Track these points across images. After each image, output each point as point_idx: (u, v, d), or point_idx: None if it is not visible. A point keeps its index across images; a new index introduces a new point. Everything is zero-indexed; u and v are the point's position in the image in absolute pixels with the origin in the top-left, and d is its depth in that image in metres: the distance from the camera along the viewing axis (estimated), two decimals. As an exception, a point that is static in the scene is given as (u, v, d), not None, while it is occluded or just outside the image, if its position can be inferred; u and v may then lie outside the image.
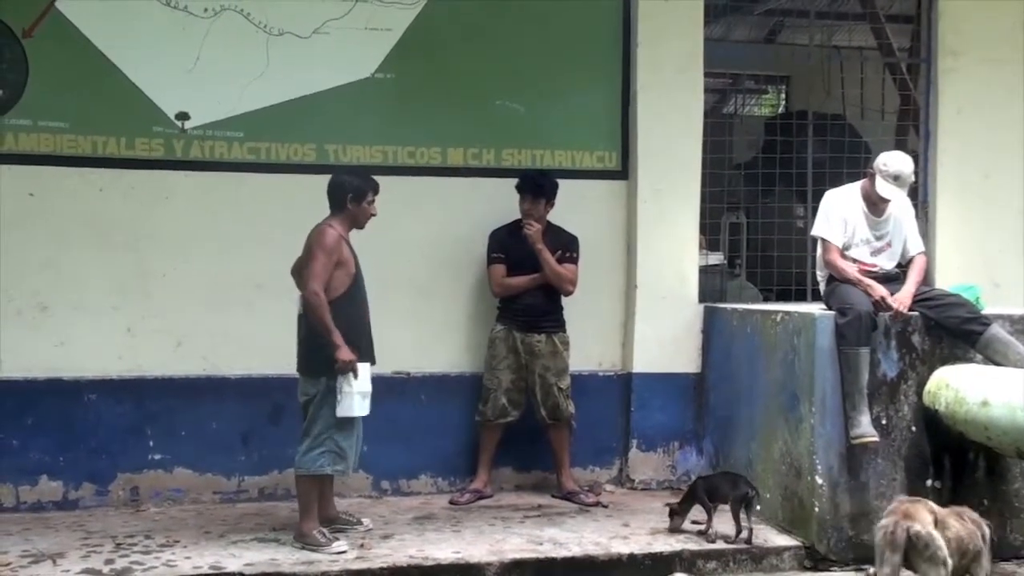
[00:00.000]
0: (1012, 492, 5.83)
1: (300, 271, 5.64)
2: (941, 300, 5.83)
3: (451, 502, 6.53)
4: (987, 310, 5.89)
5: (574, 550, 5.57)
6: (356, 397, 5.43)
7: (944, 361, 5.76)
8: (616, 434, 7.02)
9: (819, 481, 5.68)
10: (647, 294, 6.95)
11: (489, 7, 6.87)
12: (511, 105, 6.90)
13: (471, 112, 6.85)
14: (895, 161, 5.84)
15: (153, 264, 6.45)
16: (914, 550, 4.56)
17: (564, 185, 6.64)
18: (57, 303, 6.33)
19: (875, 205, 5.96)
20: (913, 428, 5.76)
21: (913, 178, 6.04)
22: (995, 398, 5.27)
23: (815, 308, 6.01)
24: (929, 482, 5.74)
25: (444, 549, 5.53)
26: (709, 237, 7.56)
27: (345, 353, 5.38)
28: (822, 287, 6.16)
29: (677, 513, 5.85)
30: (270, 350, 6.21)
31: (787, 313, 6.07)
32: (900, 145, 7.37)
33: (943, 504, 5.03)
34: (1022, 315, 5.92)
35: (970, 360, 5.72)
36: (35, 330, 6.29)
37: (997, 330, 5.65)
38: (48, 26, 6.28)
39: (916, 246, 6.11)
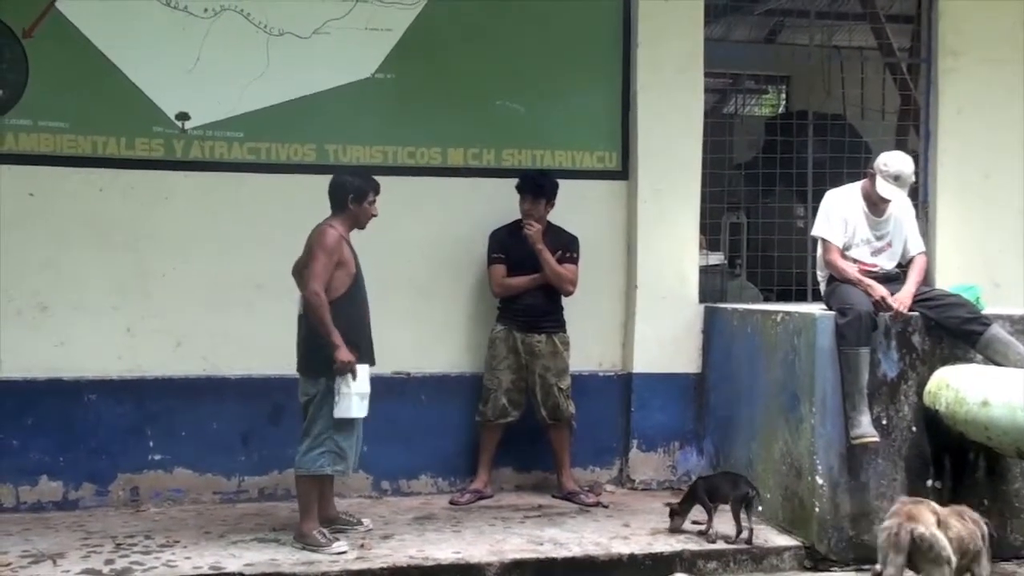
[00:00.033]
0: (1012, 492, 5.83)
1: (301, 271, 5.64)
2: (941, 300, 5.83)
3: (451, 502, 6.53)
4: (987, 310, 5.89)
5: (574, 550, 5.57)
6: (354, 398, 5.43)
7: (944, 361, 5.76)
8: (616, 434, 7.02)
9: (819, 481, 5.68)
10: (647, 294, 6.95)
11: (489, 7, 6.87)
12: (511, 105, 6.90)
13: (471, 112, 6.85)
14: (895, 161, 5.84)
15: (153, 264, 6.45)
16: (918, 551, 4.56)
17: (564, 185, 6.64)
18: (57, 303, 6.33)
19: (875, 205, 5.95)
20: (913, 428, 5.76)
21: (913, 178, 6.04)
22: (995, 398, 5.27)
23: (815, 308, 6.01)
24: (929, 482, 5.74)
25: (444, 549, 5.52)
26: (709, 237, 7.56)
27: (344, 354, 5.38)
28: (822, 287, 6.16)
29: (677, 513, 5.85)
30: (270, 350, 6.21)
31: (787, 313, 6.07)
32: (900, 145, 7.37)
33: (943, 504, 5.03)
34: (1022, 315, 5.92)
35: (970, 360, 5.72)
36: (35, 330, 6.29)
37: (997, 330, 5.65)
38: (48, 26, 6.28)
39: (916, 246, 6.11)
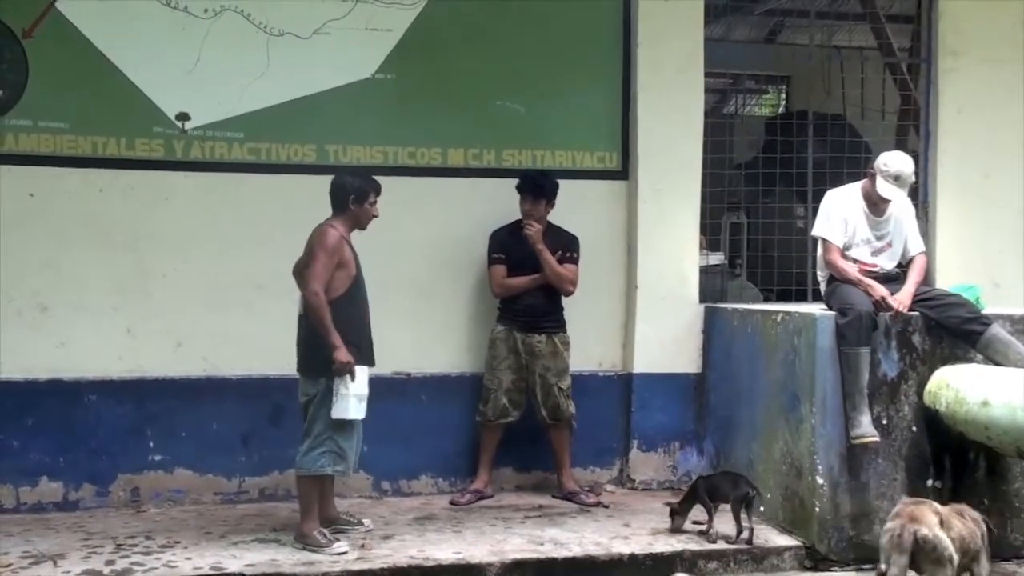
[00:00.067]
0: (1012, 492, 5.84)
1: (301, 271, 5.63)
2: (941, 300, 5.84)
3: (452, 502, 6.53)
4: (987, 310, 5.89)
5: (575, 550, 5.57)
6: (352, 400, 5.43)
7: (944, 361, 5.76)
8: (617, 434, 7.02)
9: (820, 481, 5.68)
10: (647, 294, 6.95)
11: (489, 7, 6.87)
12: (511, 105, 6.90)
13: (471, 112, 6.85)
14: (896, 161, 5.84)
15: (153, 264, 6.45)
16: (921, 552, 4.58)
17: (564, 185, 6.64)
18: (57, 304, 6.33)
19: (876, 205, 5.96)
20: (913, 428, 5.76)
21: (913, 178, 6.04)
22: (995, 398, 5.28)
23: (815, 308, 6.01)
24: (929, 482, 5.74)
25: (445, 550, 5.52)
26: (709, 237, 7.56)
27: (343, 355, 5.38)
28: (822, 287, 6.16)
29: (678, 513, 5.86)
30: (270, 351, 6.21)
31: (788, 313, 6.07)
32: (900, 145, 7.37)
33: (943, 504, 5.03)
34: (1022, 315, 5.92)
35: (970, 360, 5.72)
36: (35, 331, 6.29)
37: (997, 330, 5.65)
38: (48, 26, 6.28)
39: (916, 246, 6.11)
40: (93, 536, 5.73)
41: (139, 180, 6.42)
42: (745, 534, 5.65)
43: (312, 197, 5.94)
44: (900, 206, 5.98)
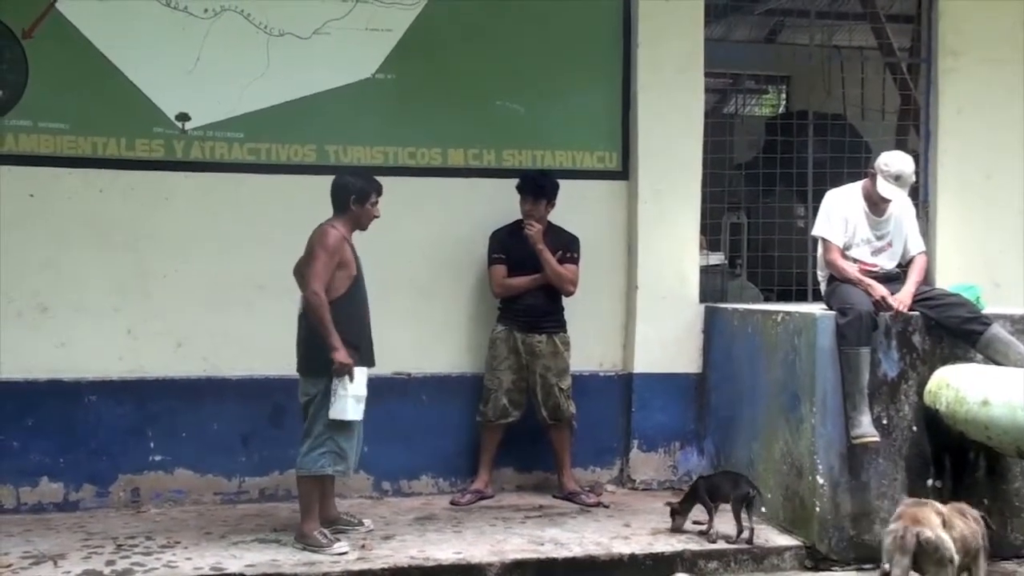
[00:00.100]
0: (1012, 491, 5.84)
1: (302, 271, 5.63)
2: (941, 300, 5.84)
3: (452, 503, 6.53)
4: (987, 310, 5.89)
5: (575, 550, 5.57)
6: (350, 400, 5.42)
7: (945, 361, 5.76)
8: (617, 434, 7.02)
9: (820, 481, 5.68)
10: (648, 294, 6.95)
11: (489, 7, 6.87)
12: (511, 105, 6.90)
13: (471, 112, 6.85)
14: (896, 161, 5.84)
15: (153, 265, 6.45)
16: (923, 553, 4.59)
17: (565, 185, 6.64)
18: (57, 304, 6.33)
19: (876, 205, 5.96)
20: (914, 428, 5.76)
21: (914, 178, 6.04)
22: (995, 397, 5.27)
23: (816, 308, 6.01)
24: (930, 482, 5.74)
25: (445, 550, 5.52)
26: (710, 237, 7.56)
27: (342, 355, 5.38)
28: (823, 287, 6.16)
29: (678, 513, 5.86)
30: (271, 351, 6.21)
31: (788, 313, 6.07)
32: (900, 145, 7.37)
33: (943, 503, 5.03)
34: (1022, 315, 5.92)
35: (970, 360, 5.72)
36: (35, 331, 6.29)
37: (998, 330, 5.65)
38: (48, 27, 6.28)
39: (917, 246, 6.11)
40: (93, 536, 5.73)
41: (139, 180, 6.43)
42: (745, 534, 5.65)
43: (312, 197, 5.95)
44: (900, 206, 5.98)
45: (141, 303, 6.44)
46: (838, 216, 5.97)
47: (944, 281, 6.84)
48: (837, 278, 5.94)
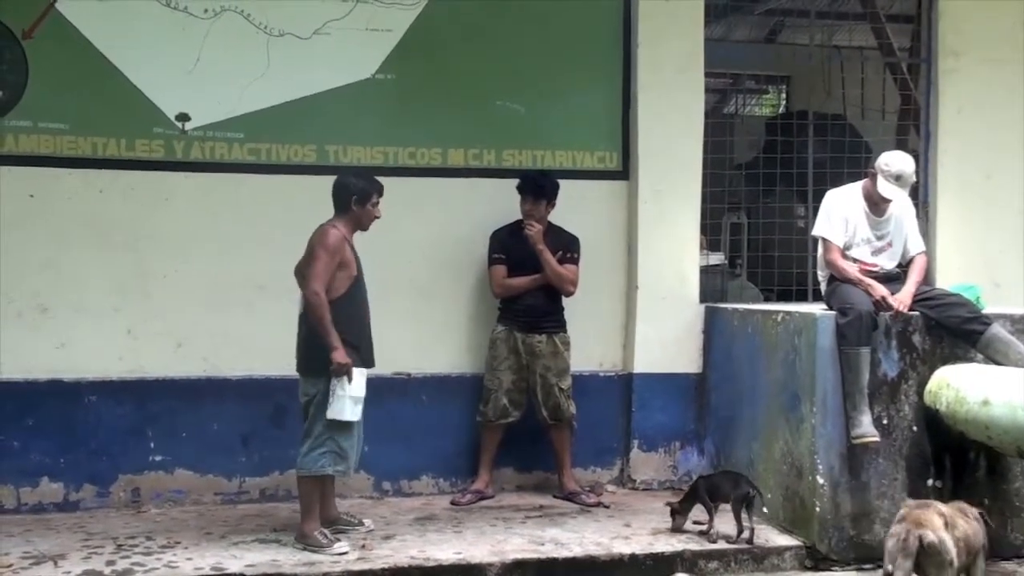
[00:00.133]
0: (1013, 491, 5.84)
1: (303, 271, 5.63)
2: (942, 300, 5.83)
3: (452, 503, 6.53)
4: (988, 310, 5.89)
5: (575, 550, 5.57)
6: (348, 401, 5.42)
7: (945, 361, 5.76)
8: (617, 434, 7.02)
9: (820, 481, 5.68)
10: (648, 294, 6.95)
11: (489, 7, 6.87)
12: (511, 106, 6.90)
13: (472, 113, 6.85)
14: (897, 161, 5.84)
15: (153, 265, 6.45)
16: (925, 555, 4.61)
17: (565, 186, 6.64)
18: (57, 304, 6.33)
19: (876, 205, 5.95)
20: (914, 428, 5.76)
21: (914, 178, 6.04)
22: (996, 397, 5.27)
23: (816, 308, 6.01)
24: (930, 481, 5.74)
25: (445, 550, 5.52)
26: (710, 237, 7.57)
27: (341, 355, 5.38)
28: (823, 287, 6.16)
29: (678, 512, 5.86)
30: (271, 351, 6.21)
31: (788, 313, 6.07)
32: (901, 145, 7.37)
33: (943, 503, 5.04)
34: (1022, 315, 5.91)
35: (971, 360, 5.72)
36: (35, 331, 6.29)
37: (998, 330, 5.65)
38: (48, 27, 6.28)
39: (917, 246, 6.11)
40: (94, 536, 5.73)
41: (139, 181, 6.43)
42: (746, 534, 5.65)
43: (312, 197, 5.95)
44: (901, 206, 5.98)
45: (141, 303, 6.44)
46: (838, 216, 5.97)
47: (944, 281, 6.84)
48: (837, 278, 5.94)
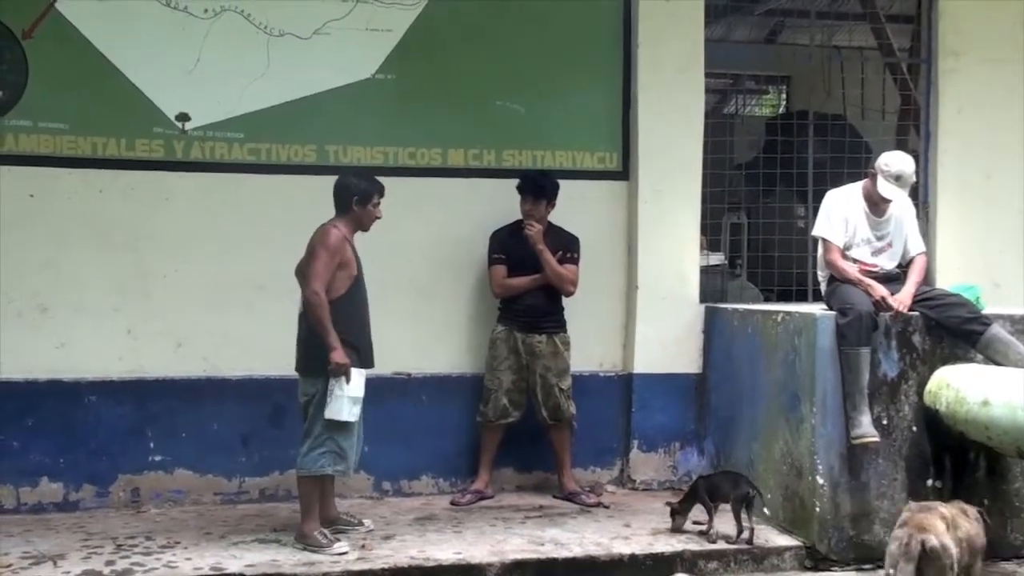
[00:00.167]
0: (1012, 492, 5.84)
1: (303, 271, 5.62)
2: (942, 300, 5.83)
3: (452, 503, 6.53)
4: (987, 310, 5.89)
5: (575, 551, 5.57)
6: (346, 401, 5.42)
7: (945, 361, 5.76)
8: (617, 435, 7.02)
9: (820, 481, 5.68)
10: (648, 294, 6.95)
11: (489, 7, 6.87)
12: (511, 106, 6.90)
13: (472, 113, 6.85)
14: (897, 161, 5.84)
15: (153, 265, 6.45)
16: (927, 560, 4.61)
17: (565, 186, 6.64)
18: (57, 304, 6.33)
19: (876, 205, 5.95)
20: (914, 428, 5.76)
21: (914, 178, 6.04)
22: (996, 398, 5.27)
23: (816, 308, 6.01)
24: (930, 482, 5.74)
25: (445, 550, 5.52)
26: (710, 237, 7.56)
27: (339, 355, 5.38)
28: (823, 287, 6.16)
29: (678, 512, 5.86)
30: (271, 351, 6.20)
31: (788, 313, 6.07)
32: (901, 145, 7.37)
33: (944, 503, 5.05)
34: (1022, 315, 5.91)
35: (971, 360, 5.72)
36: (35, 331, 6.29)
37: (998, 330, 5.65)
38: (48, 27, 6.28)
39: (917, 246, 6.11)
40: (93, 536, 5.73)
41: (139, 180, 6.43)
42: (745, 534, 5.65)
43: (312, 197, 5.96)
44: (901, 206, 5.98)
45: (141, 303, 6.44)
46: (838, 216, 5.97)
47: (944, 281, 6.84)
48: (837, 278, 5.94)
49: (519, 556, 5.46)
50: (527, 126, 6.92)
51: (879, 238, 6.01)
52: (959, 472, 5.76)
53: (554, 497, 6.67)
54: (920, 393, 5.74)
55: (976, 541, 4.88)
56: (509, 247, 6.57)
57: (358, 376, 5.46)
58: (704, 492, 5.77)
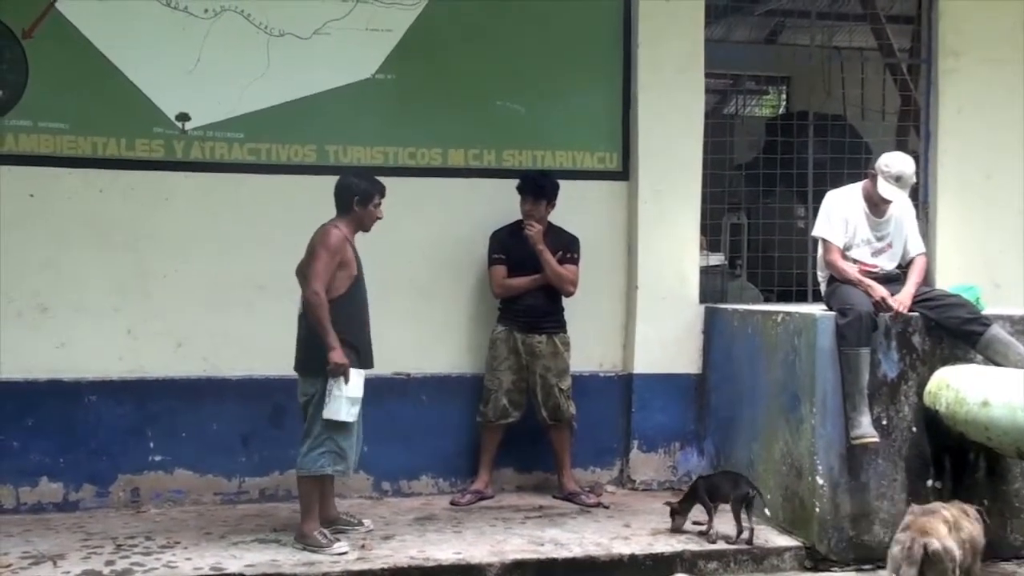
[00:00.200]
0: (1012, 492, 5.83)
1: (304, 271, 5.62)
2: (941, 300, 5.83)
3: (452, 503, 6.53)
4: (987, 310, 5.89)
5: (575, 551, 5.57)
6: (344, 401, 5.42)
7: (944, 361, 5.76)
8: (617, 435, 7.02)
9: (820, 481, 5.68)
10: (648, 295, 6.95)
11: (489, 7, 6.87)
12: (512, 106, 6.90)
13: (472, 113, 6.85)
14: (897, 162, 5.84)
15: (153, 265, 6.45)
16: (929, 563, 4.62)
17: (565, 186, 6.64)
18: (57, 304, 6.33)
19: (876, 206, 5.95)
20: (913, 428, 5.76)
21: (914, 179, 6.04)
22: (995, 398, 5.27)
23: (816, 309, 6.00)
24: (930, 482, 5.74)
25: (445, 550, 5.52)
26: (710, 238, 7.56)
27: (338, 355, 5.38)
28: (823, 288, 6.16)
29: (678, 512, 5.86)
30: (271, 351, 6.20)
31: (788, 314, 6.07)
32: (901, 146, 7.37)
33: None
34: (1022, 316, 5.91)
35: (970, 360, 5.72)
36: (35, 331, 6.29)
37: (997, 330, 5.65)
38: (48, 27, 6.28)
39: (917, 247, 6.11)
40: (93, 536, 5.73)
41: (139, 180, 6.43)
42: (745, 534, 5.65)
43: (312, 198, 5.96)
44: (901, 207, 5.98)
45: (141, 303, 6.44)
46: (838, 217, 5.97)
47: (944, 281, 6.84)
48: (837, 279, 5.94)
49: (519, 556, 5.46)
50: (527, 126, 6.91)
51: (879, 239, 6.01)
52: (959, 473, 5.76)
53: (554, 497, 6.67)
54: (920, 394, 5.74)
55: (978, 541, 4.90)
56: (509, 247, 6.57)
57: (357, 376, 5.46)
58: (704, 492, 5.77)
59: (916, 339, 5.77)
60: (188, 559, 5.32)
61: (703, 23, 7.05)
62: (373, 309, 5.74)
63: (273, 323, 6.15)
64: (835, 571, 5.66)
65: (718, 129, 7.63)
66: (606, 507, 6.49)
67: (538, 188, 6.52)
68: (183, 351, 6.47)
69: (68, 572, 5.12)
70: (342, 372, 5.38)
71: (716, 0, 7.44)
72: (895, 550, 4.72)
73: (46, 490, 6.29)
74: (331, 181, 5.74)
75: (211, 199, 6.52)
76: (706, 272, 7.32)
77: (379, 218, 5.71)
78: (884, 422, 5.71)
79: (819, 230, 6.05)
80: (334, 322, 5.41)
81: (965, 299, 5.84)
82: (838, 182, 6.43)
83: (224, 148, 6.53)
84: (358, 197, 5.61)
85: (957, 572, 4.66)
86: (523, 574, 5.40)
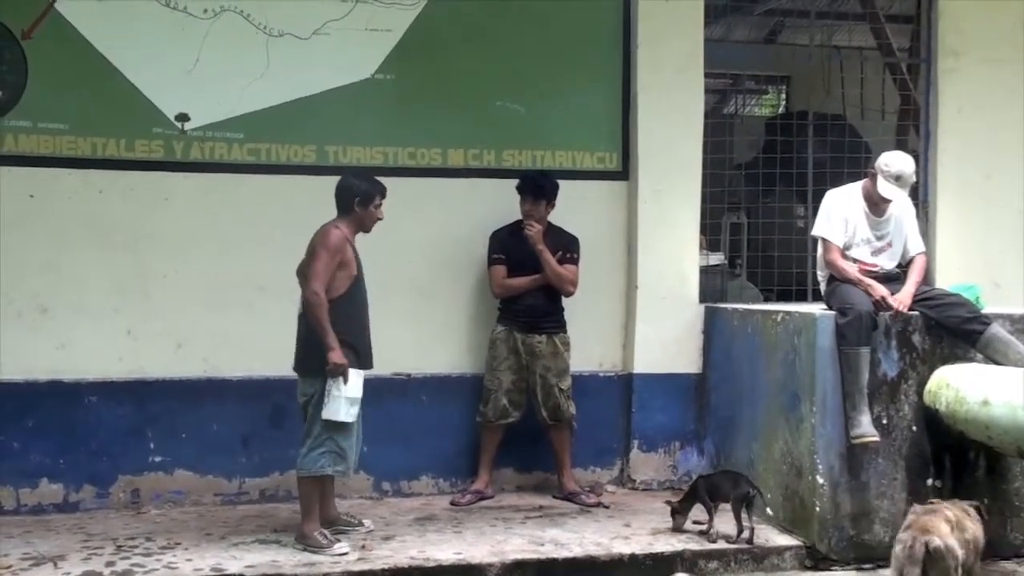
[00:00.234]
0: (1012, 491, 5.84)
1: (304, 272, 5.62)
2: (941, 300, 5.83)
3: (452, 503, 6.53)
4: (987, 310, 5.89)
5: (575, 551, 5.57)
6: (343, 402, 5.42)
7: (944, 360, 5.76)
8: (617, 435, 7.02)
9: (820, 481, 5.68)
10: (648, 295, 6.95)
11: (489, 8, 6.87)
12: (511, 106, 6.90)
13: (471, 113, 6.85)
14: (897, 161, 5.84)
15: (153, 265, 6.45)
16: (930, 561, 4.62)
17: (565, 186, 6.64)
18: (57, 305, 6.33)
19: (876, 205, 5.95)
20: (914, 427, 5.76)
21: (914, 178, 6.04)
22: (996, 397, 5.27)
23: (816, 308, 6.01)
24: (930, 481, 5.74)
25: (445, 550, 5.52)
26: (710, 237, 7.56)
27: (337, 356, 5.38)
28: (823, 287, 6.16)
29: (678, 512, 5.86)
30: (271, 352, 6.19)
31: (788, 313, 6.07)
32: (900, 145, 7.37)
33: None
34: (1022, 315, 5.91)
35: (970, 359, 5.72)
36: (35, 332, 6.29)
37: (997, 329, 5.65)
38: (48, 27, 6.28)
39: (916, 246, 6.11)
40: (93, 537, 5.73)
41: (139, 181, 6.42)
42: (745, 534, 5.65)
43: (312, 198, 5.96)
44: (900, 206, 5.98)
45: (141, 304, 6.43)
46: (838, 216, 5.97)
47: (944, 281, 6.84)
48: (837, 278, 5.94)
49: (519, 556, 5.46)
50: (527, 126, 6.91)
51: (879, 238, 6.01)
52: (959, 472, 5.76)
53: (554, 497, 6.67)
54: (920, 393, 5.75)
55: (979, 539, 4.90)
56: (509, 247, 6.57)
57: (356, 377, 5.46)
58: (704, 492, 5.78)
59: (916, 338, 5.77)
60: (188, 560, 5.32)
61: (703, 23, 7.05)
62: (373, 309, 5.74)
63: (273, 323, 6.15)
64: (835, 570, 5.66)
65: (718, 129, 7.64)
66: (606, 507, 6.49)
67: (538, 188, 6.52)
68: (183, 352, 6.47)
69: (68, 573, 5.12)
70: (341, 372, 5.38)
71: (716, 0, 7.44)
72: (897, 549, 4.72)
73: (46, 491, 6.28)
74: (331, 181, 5.74)
75: (211, 199, 6.52)
76: (706, 272, 7.32)
77: (380, 219, 5.71)
78: (884, 421, 5.71)
79: (819, 229, 6.05)
80: (334, 322, 5.40)
81: (965, 298, 5.85)
82: (838, 182, 6.43)
83: (224, 148, 6.53)
84: (359, 198, 5.61)
85: (959, 571, 4.67)
86: (523, 574, 5.40)
